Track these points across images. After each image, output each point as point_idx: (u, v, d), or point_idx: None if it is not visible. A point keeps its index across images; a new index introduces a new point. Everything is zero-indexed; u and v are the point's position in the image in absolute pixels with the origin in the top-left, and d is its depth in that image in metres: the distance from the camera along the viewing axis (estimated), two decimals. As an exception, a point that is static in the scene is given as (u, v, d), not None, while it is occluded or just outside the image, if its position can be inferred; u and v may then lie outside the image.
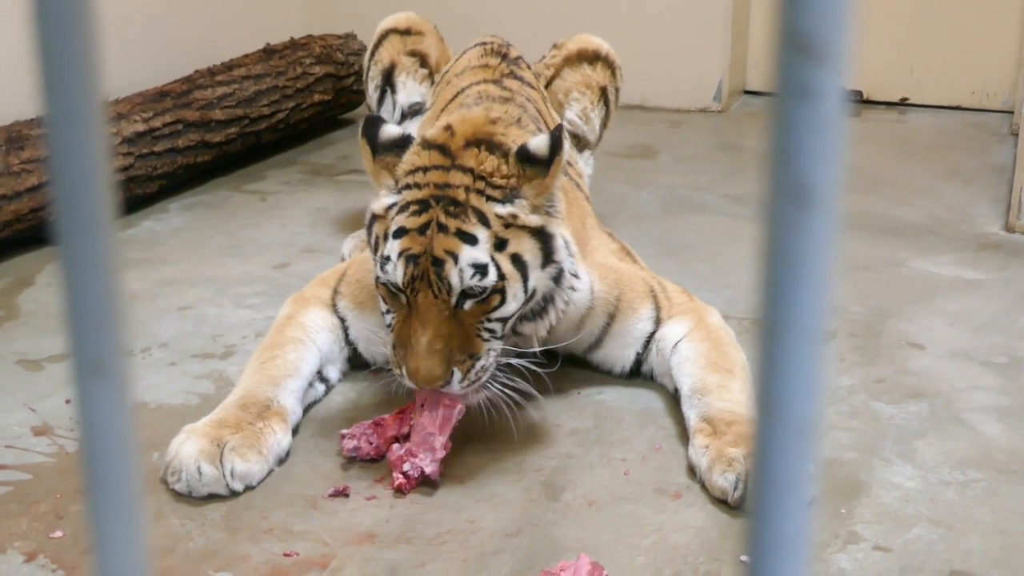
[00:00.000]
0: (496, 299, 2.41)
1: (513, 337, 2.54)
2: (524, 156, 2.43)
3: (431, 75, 3.86)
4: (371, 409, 2.71)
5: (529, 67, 3.69)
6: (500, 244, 2.40)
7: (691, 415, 2.55)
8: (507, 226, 2.41)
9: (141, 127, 4.16)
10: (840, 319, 3.16)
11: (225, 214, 4.22)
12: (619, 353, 2.85)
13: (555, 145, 2.43)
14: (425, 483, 2.40)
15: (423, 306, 2.37)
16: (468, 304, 2.39)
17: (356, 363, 2.89)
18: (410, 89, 3.85)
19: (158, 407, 2.73)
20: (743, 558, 2.06)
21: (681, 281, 3.12)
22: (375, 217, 2.50)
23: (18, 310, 3.35)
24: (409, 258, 2.38)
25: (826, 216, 0.46)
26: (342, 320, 2.83)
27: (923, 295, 3.39)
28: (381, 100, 3.90)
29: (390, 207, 2.46)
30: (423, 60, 3.88)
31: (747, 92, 5.92)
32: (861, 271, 3.52)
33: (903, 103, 5.67)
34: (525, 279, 2.44)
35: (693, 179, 4.57)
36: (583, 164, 3.76)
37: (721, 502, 2.34)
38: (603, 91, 3.81)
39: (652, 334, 2.83)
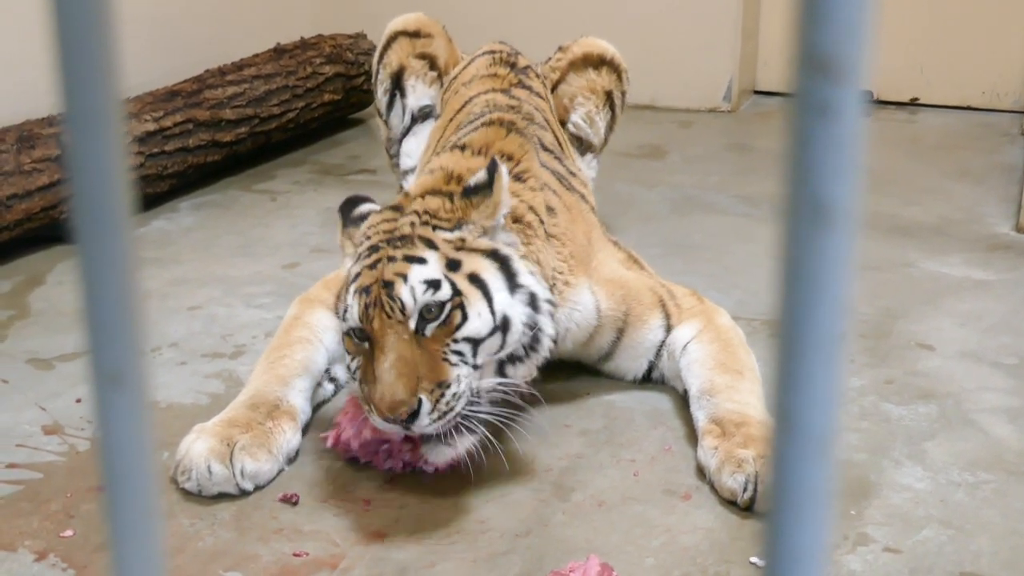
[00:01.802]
0: (457, 316, 2.29)
1: (500, 374, 2.43)
2: (467, 191, 2.43)
3: (440, 77, 3.85)
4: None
5: (538, 75, 3.69)
6: (453, 264, 2.34)
7: (700, 416, 2.55)
8: (458, 248, 2.37)
9: (152, 126, 4.18)
10: (849, 320, 3.15)
11: (235, 214, 4.23)
12: (630, 364, 2.86)
13: (491, 172, 2.42)
14: (433, 485, 2.41)
15: (380, 332, 2.27)
16: (430, 329, 2.28)
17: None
18: (420, 92, 3.84)
19: (168, 406, 2.74)
20: (753, 559, 2.05)
21: (690, 281, 3.12)
22: (344, 285, 2.44)
23: (29, 309, 3.36)
24: (361, 291, 2.31)
25: (844, 233, 0.46)
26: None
27: (933, 296, 3.38)
28: (391, 104, 3.89)
29: (351, 268, 2.47)
30: (432, 63, 3.87)
31: (757, 92, 5.92)
32: (871, 271, 3.52)
33: (913, 103, 5.66)
34: (489, 299, 2.34)
35: (702, 179, 4.57)
36: (586, 168, 3.75)
37: (730, 503, 2.33)
38: (608, 95, 3.79)
39: (663, 342, 2.83)
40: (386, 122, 3.92)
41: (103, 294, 0.51)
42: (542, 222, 2.63)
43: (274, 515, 2.32)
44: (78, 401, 2.77)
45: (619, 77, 3.84)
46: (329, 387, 2.79)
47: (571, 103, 3.76)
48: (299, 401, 2.61)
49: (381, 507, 2.35)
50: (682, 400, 2.72)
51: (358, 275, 2.36)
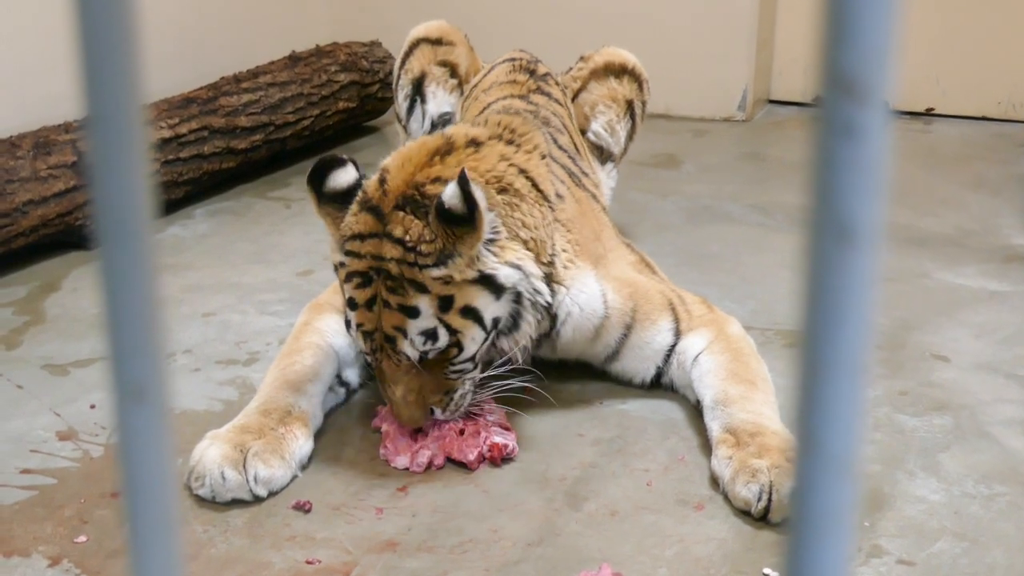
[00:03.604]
0: (454, 351, 2.49)
1: (493, 351, 2.61)
2: (446, 216, 2.39)
3: (461, 85, 3.87)
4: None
5: (557, 83, 3.70)
6: (445, 304, 2.43)
7: (714, 426, 2.54)
8: (447, 283, 2.42)
9: (167, 133, 4.19)
10: (873, 340, 3.14)
11: (249, 220, 4.24)
12: (638, 365, 2.85)
13: (468, 200, 2.37)
14: (445, 493, 2.41)
15: (388, 371, 2.50)
16: (431, 358, 2.48)
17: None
18: (440, 99, 3.86)
19: (182, 413, 2.75)
20: (766, 571, 2.03)
21: (705, 291, 3.12)
22: (335, 267, 2.57)
23: (44, 315, 3.37)
24: (366, 334, 2.48)
25: (868, 254, 0.45)
26: None
27: (948, 307, 3.37)
28: (411, 109, 3.91)
29: (342, 265, 2.52)
30: (453, 70, 3.88)
31: (772, 101, 5.91)
32: (886, 282, 3.50)
33: (929, 113, 5.64)
34: (481, 322, 2.48)
35: (717, 188, 4.56)
36: (605, 176, 3.76)
37: (744, 513, 2.33)
38: (629, 104, 3.81)
39: (672, 347, 2.82)
40: (405, 128, 3.94)
41: (124, 304, 0.51)
42: (535, 187, 2.64)
43: (287, 522, 2.32)
44: (92, 407, 2.77)
45: (640, 87, 3.85)
46: (340, 392, 2.79)
47: (592, 111, 3.77)
48: (311, 407, 2.61)
49: (394, 515, 2.35)
50: (695, 410, 2.71)
51: (355, 305, 2.49)
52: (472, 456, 2.51)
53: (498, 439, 2.54)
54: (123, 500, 0.53)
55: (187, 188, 4.29)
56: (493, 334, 2.54)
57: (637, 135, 3.90)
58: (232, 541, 2.26)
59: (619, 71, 3.82)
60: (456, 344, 2.47)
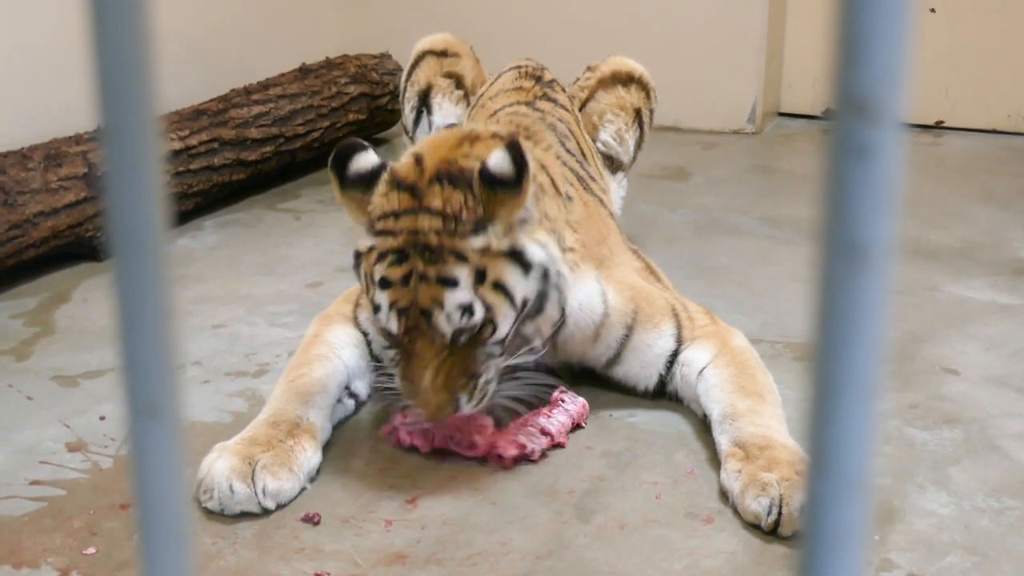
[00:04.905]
0: (488, 329, 2.44)
1: (516, 340, 2.57)
2: (490, 179, 2.41)
3: (467, 96, 3.89)
4: (403, 429, 2.72)
5: (563, 90, 3.71)
6: (480, 276, 2.41)
7: (723, 440, 2.53)
8: (483, 254, 2.41)
9: (177, 145, 4.20)
10: (885, 359, 3.13)
11: (259, 232, 4.25)
12: (640, 371, 2.84)
13: (518, 161, 2.40)
14: (454, 505, 2.41)
15: (420, 351, 2.42)
16: (463, 337, 2.43)
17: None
18: (446, 110, 3.88)
19: (191, 425, 2.75)
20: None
21: (714, 304, 3.11)
22: (359, 255, 2.52)
23: (54, 326, 3.37)
24: (400, 311, 2.42)
25: (880, 273, 0.46)
26: (365, 334, 2.85)
27: (957, 320, 3.37)
28: (417, 121, 3.93)
29: (370, 249, 2.48)
30: (459, 81, 3.91)
31: (781, 114, 5.91)
32: (895, 295, 3.48)
33: (938, 126, 5.64)
34: (512, 299, 2.45)
35: (726, 201, 4.56)
36: (616, 185, 3.77)
37: (754, 527, 2.32)
38: (637, 113, 3.82)
39: (675, 354, 2.81)
40: (412, 139, 3.95)
41: (138, 316, 0.51)
42: (552, 182, 2.68)
43: (296, 534, 2.32)
44: (102, 418, 2.78)
45: (647, 95, 3.86)
46: (349, 403, 2.79)
47: (600, 120, 3.79)
48: (319, 419, 2.61)
49: (402, 527, 2.35)
50: (703, 423, 2.70)
51: (389, 283, 2.42)
52: (511, 452, 2.55)
53: (522, 439, 2.56)
54: (135, 513, 0.53)
55: (197, 200, 4.30)
56: (520, 317, 2.50)
57: (646, 143, 3.91)
58: (241, 553, 2.26)
59: (626, 79, 3.83)
60: (490, 321, 2.43)
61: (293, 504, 2.42)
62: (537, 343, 2.63)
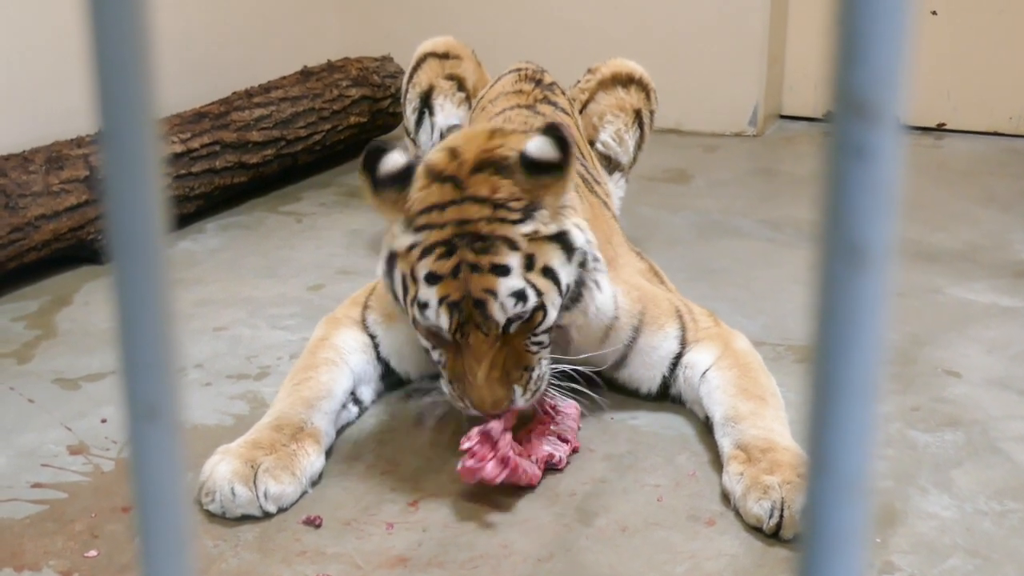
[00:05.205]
0: (539, 316, 2.43)
1: (555, 332, 2.55)
2: (532, 165, 2.41)
3: (468, 99, 3.90)
4: (404, 431, 2.72)
5: (563, 93, 3.72)
6: (529, 263, 2.40)
7: (725, 443, 2.53)
8: (532, 240, 2.41)
9: (179, 148, 4.20)
10: (885, 361, 3.13)
11: (261, 235, 4.25)
12: (644, 373, 2.84)
13: (562, 143, 2.41)
14: (456, 508, 2.41)
15: (475, 344, 2.40)
16: (514, 326, 2.41)
17: (391, 380, 2.89)
18: (448, 112, 3.89)
19: (193, 427, 2.75)
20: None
21: (715, 306, 3.11)
22: (395, 255, 2.48)
23: (56, 329, 3.38)
24: (451, 305, 2.38)
25: (880, 275, 0.45)
26: (372, 337, 2.84)
27: (959, 322, 3.36)
28: (419, 122, 3.94)
29: (411, 247, 2.44)
30: (460, 83, 3.92)
31: (783, 116, 5.91)
32: (896, 297, 3.49)
33: (940, 128, 5.64)
34: (558, 284, 2.45)
35: (728, 204, 4.56)
36: (614, 186, 3.77)
37: (756, 530, 2.32)
38: (637, 114, 3.83)
39: (679, 355, 2.81)
40: (414, 140, 3.96)
41: (138, 319, 0.51)
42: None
43: (297, 537, 2.32)
44: (103, 421, 2.78)
45: (648, 96, 3.87)
46: (354, 409, 2.79)
47: (600, 121, 3.79)
48: (323, 424, 2.61)
49: (404, 530, 2.35)
50: (705, 425, 2.70)
51: (438, 278, 2.39)
52: (538, 471, 2.50)
53: (548, 448, 2.54)
54: (135, 517, 0.53)
55: (199, 202, 4.30)
56: (563, 303, 2.49)
57: (646, 144, 3.91)
58: (243, 556, 2.26)
59: (626, 81, 3.84)
60: (541, 307, 2.42)
61: (295, 507, 2.42)
62: (574, 334, 2.65)
